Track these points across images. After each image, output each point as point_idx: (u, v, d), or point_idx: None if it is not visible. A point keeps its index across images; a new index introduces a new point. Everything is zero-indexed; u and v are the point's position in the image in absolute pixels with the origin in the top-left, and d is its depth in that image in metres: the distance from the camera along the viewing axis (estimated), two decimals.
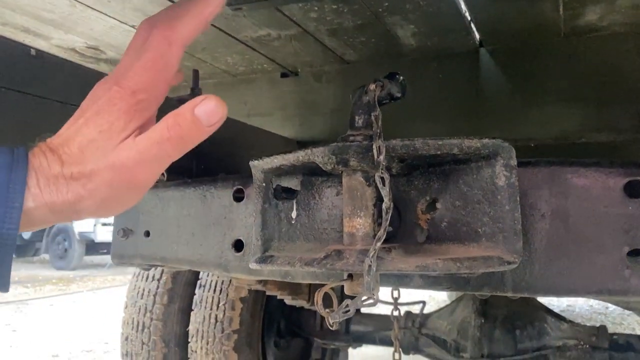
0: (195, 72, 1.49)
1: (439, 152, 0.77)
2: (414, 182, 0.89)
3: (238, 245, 1.16)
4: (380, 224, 0.78)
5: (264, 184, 0.95)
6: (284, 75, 2.25)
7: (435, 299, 6.60)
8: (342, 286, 0.81)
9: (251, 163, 0.93)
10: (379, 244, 0.72)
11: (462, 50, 1.91)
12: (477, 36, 1.84)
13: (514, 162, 0.77)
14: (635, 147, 1.80)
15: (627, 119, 1.75)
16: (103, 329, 6.17)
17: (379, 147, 0.75)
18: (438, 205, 0.85)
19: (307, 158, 0.84)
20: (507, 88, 1.87)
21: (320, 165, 0.83)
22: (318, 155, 0.81)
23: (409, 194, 0.89)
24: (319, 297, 0.75)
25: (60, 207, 0.62)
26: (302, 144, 2.23)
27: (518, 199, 0.77)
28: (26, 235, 14.20)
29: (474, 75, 1.91)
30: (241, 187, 1.18)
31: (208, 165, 1.53)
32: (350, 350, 3.11)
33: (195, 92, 1.49)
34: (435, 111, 1.96)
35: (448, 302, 2.90)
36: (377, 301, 0.74)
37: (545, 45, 1.80)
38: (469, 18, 1.69)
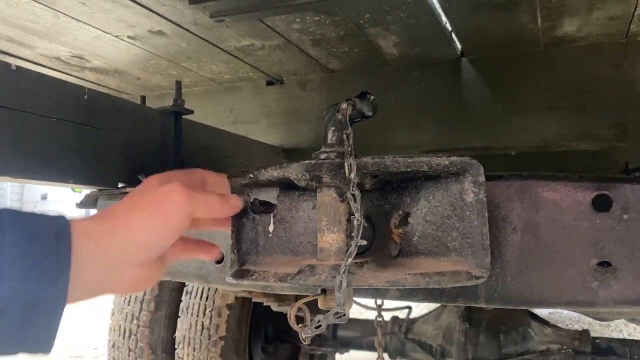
0: (178, 83, 1.50)
1: (408, 169, 0.78)
2: (387, 196, 0.90)
3: None
4: (353, 239, 0.80)
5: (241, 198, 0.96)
6: (269, 83, 2.27)
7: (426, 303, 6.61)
8: None
9: (227, 178, 0.95)
10: (349, 259, 0.74)
11: (444, 60, 1.93)
12: (459, 46, 1.86)
13: (482, 178, 0.79)
14: (614, 155, 1.83)
15: (605, 127, 1.78)
16: (92, 334, 6.14)
17: (350, 164, 0.76)
18: (410, 219, 0.87)
19: (281, 174, 0.85)
20: (488, 97, 1.90)
21: (295, 182, 0.85)
22: (292, 172, 0.83)
23: (383, 209, 0.91)
24: (292, 312, 0.77)
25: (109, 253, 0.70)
26: (287, 151, 2.25)
27: (486, 214, 0.79)
28: None
29: (455, 85, 1.93)
30: None
31: None
32: (338, 356, 3.13)
33: (177, 102, 1.50)
34: (417, 120, 1.99)
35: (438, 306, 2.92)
36: (348, 316, 0.76)
37: (525, 56, 1.83)
38: (449, 29, 1.71)
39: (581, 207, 0.92)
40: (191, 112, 1.53)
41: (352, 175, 0.76)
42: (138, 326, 2.59)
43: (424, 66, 1.97)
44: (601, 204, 0.91)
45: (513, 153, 1.86)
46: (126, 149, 1.37)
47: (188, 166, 1.55)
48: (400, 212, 0.88)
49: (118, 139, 1.35)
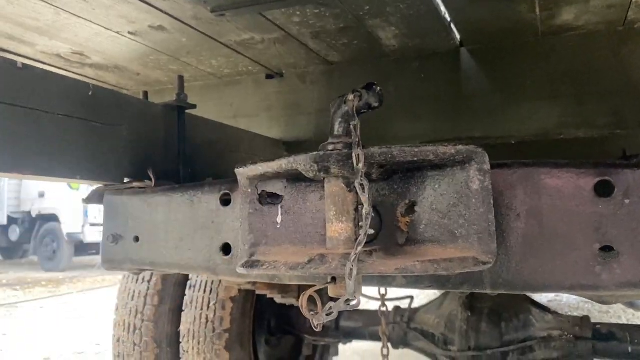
0: (180, 78, 1.51)
1: (415, 159, 0.80)
2: (394, 186, 0.92)
3: (226, 249, 1.18)
4: (361, 228, 0.81)
5: (249, 190, 0.98)
6: (269, 76, 2.27)
7: (427, 292, 6.65)
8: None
9: (236, 170, 0.96)
10: (359, 248, 0.76)
11: (443, 50, 1.94)
12: (458, 36, 1.87)
13: (487, 166, 0.81)
14: (612, 142, 1.84)
15: (603, 115, 1.80)
16: (94, 331, 6.16)
17: (358, 155, 0.78)
18: (417, 208, 0.88)
19: (290, 166, 0.87)
20: (488, 86, 1.91)
21: (303, 173, 0.86)
22: (300, 163, 0.84)
23: (390, 198, 0.92)
24: (303, 300, 0.79)
25: None
26: (287, 144, 2.26)
27: (492, 201, 0.81)
28: (14, 237, 14.10)
29: (455, 75, 1.95)
30: (228, 191, 1.21)
31: (195, 169, 1.56)
32: (341, 346, 3.15)
33: (180, 97, 1.51)
34: (417, 110, 2.00)
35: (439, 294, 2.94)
36: (359, 303, 0.77)
37: (523, 45, 1.85)
38: (448, 19, 1.72)
39: (583, 193, 0.93)
40: (194, 106, 1.54)
41: (360, 165, 0.77)
42: (142, 321, 2.61)
43: (423, 57, 1.98)
44: (603, 190, 0.92)
45: (513, 142, 1.88)
46: (131, 144, 1.38)
47: (191, 161, 1.57)
48: (407, 201, 0.90)
49: (122, 134, 1.36)
